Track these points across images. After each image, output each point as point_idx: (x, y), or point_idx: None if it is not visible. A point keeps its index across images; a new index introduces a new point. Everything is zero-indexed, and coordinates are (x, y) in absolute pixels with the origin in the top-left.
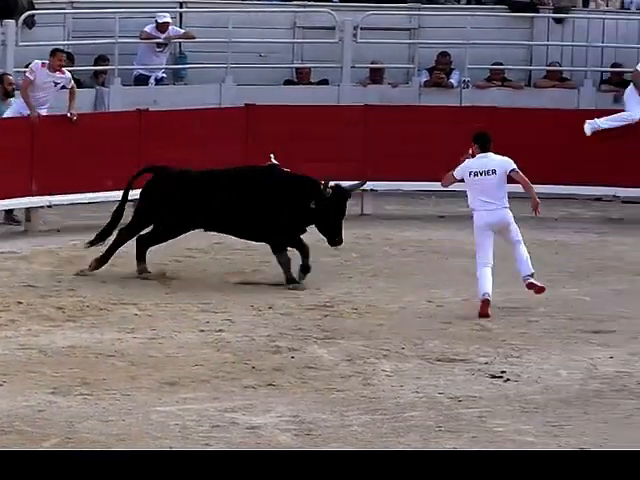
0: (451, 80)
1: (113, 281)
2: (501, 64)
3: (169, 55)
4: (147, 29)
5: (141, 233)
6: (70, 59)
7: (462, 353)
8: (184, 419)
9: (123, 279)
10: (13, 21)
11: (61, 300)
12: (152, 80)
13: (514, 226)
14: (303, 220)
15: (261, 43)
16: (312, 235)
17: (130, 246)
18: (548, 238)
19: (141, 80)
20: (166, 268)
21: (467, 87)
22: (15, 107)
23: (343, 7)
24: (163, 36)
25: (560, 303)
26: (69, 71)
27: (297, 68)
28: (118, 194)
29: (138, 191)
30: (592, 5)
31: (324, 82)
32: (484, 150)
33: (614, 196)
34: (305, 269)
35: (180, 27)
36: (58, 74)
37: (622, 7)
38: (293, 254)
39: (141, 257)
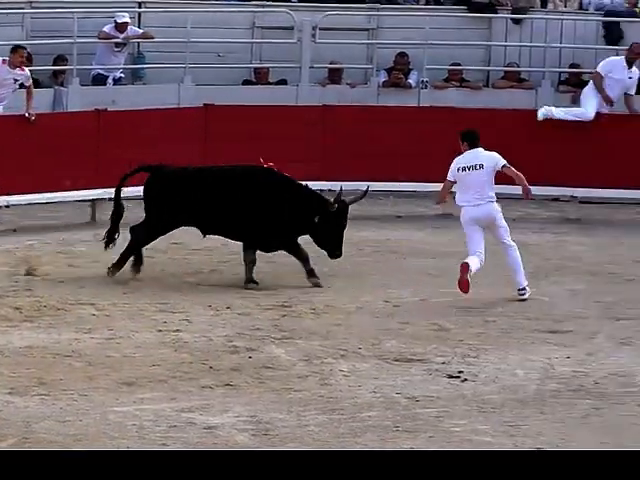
0: (409, 80)
1: (70, 281)
2: (459, 64)
3: (128, 55)
4: (106, 29)
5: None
6: (29, 59)
7: (419, 353)
8: (141, 419)
9: (80, 279)
10: None
11: (18, 300)
12: (110, 80)
13: (502, 223)
14: (300, 226)
15: (220, 43)
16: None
17: (88, 246)
18: None
19: (99, 80)
20: (125, 268)
21: (425, 87)
22: None
23: (302, 7)
24: (122, 36)
25: (518, 303)
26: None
27: (256, 68)
28: (76, 194)
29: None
30: (550, 6)
31: (283, 82)
32: (473, 146)
33: (572, 196)
34: (310, 273)
35: (139, 27)
36: (18, 71)
37: (580, 8)
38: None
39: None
